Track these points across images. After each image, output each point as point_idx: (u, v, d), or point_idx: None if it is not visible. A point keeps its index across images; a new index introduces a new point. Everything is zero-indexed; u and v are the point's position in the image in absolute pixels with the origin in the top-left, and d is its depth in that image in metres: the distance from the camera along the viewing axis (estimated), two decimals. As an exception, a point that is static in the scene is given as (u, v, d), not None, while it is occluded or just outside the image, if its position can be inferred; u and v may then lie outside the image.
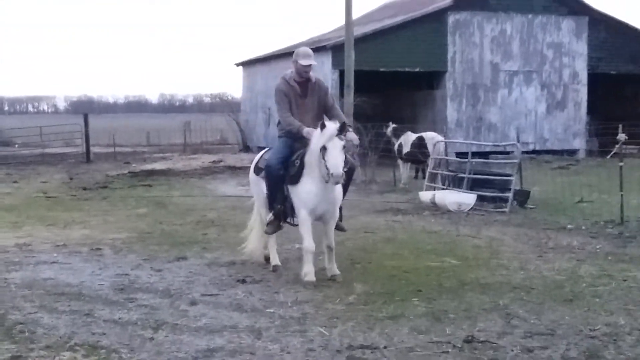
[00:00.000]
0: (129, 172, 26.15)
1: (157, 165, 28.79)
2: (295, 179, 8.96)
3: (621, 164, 13.77)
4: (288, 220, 9.54)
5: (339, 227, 9.41)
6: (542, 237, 12.17)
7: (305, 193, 8.86)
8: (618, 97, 37.59)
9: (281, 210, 9.30)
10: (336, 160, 8.43)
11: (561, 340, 6.59)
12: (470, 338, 6.59)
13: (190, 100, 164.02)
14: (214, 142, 46.52)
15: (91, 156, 33.66)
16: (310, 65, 9.31)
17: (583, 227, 13.02)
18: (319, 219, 9.12)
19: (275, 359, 6.16)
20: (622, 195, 13.36)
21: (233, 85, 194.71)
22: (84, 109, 78.50)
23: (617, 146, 14.34)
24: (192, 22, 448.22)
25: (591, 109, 35.42)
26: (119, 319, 7.33)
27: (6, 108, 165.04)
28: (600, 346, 6.41)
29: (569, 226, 13.20)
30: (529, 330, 6.87)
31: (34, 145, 39.80)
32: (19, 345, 6.46)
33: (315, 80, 9.47)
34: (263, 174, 9.52)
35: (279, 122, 9.55)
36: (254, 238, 10.12)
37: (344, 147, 8.68)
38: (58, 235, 12.65)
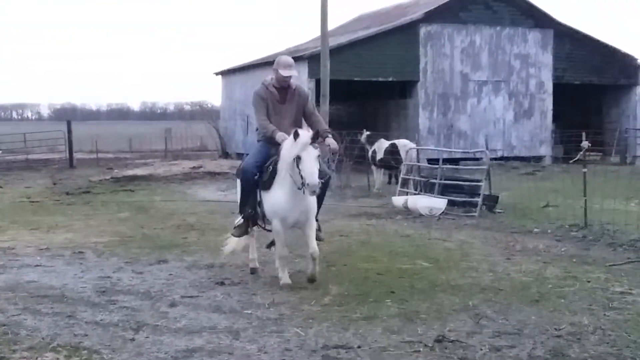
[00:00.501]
0: (112, 178, 25.96)
1: (139, 171, 28.58)
2: (267, 185, 8.67)
3: (585, 170, 13.91)
4: (259, 223, 9.26)
5: (316, 237, 8.84)
6: (509, 240, 12.24)
7: (275, 201, 8.56)
8: (582, 107, 37.97)
9: (251, 215, 9.03)
10: (311, 170, 8.02)
11: (528, 339, 6.62)
12: (441, 338, 6.61)
13: (171, 108, 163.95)
14: (194, 148, 46.34)
15: (74, 162, 33.39)
16: (290, 76, 8.96)
17: (549, 231, 13.10)
18: (294, 227, 8.85)
19: (253, 359, 6.14)
20: (585, 200, 13.47)
21: (212, 94, 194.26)
22: (67, 116, 77.69)
23: (580, 153, 14.43)
24: (172, 27, 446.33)
25: (556, 118, 35.76)
26: (101, 320, 7.27)
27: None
28: (565, 345, 6.45)
29: (535, 230, 13.29)
30: (497, 330, 6.90)
31: (18, 152, 39.39)
32: (2, 346, 6.38)
33: (295, 87, 9.12)
34: None
35: (257, 128, 9.25)
36: (234, 239, 9.70)
37: (319, 156, 8.30)
38: (41, 239, 12.53)
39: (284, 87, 9.04)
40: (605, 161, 32.75)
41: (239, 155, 38.57)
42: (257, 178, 8.82)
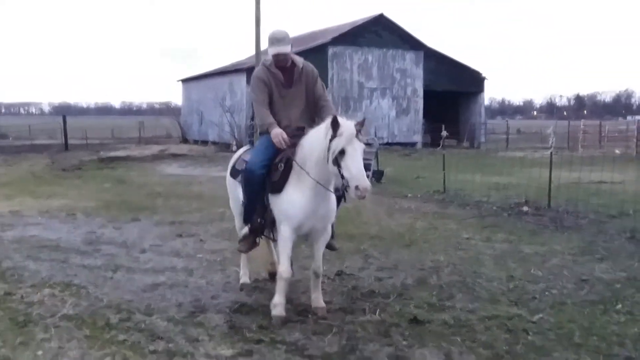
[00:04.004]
0: (98, 158, 25.13)
1: (119, 153, 27.77)
2: (278, 186, 5.16)
3: (444, 152, 14.22)
4: (266, 234, 5.68)
5: (330, 246, 5.68)
6: (391, 202, 12.40)
7: (289, 205, 5.07)
8: (443, 106, 38.79)
9: (260, 224, 5.47)
10: (360, 169, 4.61)
11: (401, 272, 6.75)
12: (340, 272, 6.68)
13: (145, 106, 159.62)
14: (162, 136, 45.43)
15: (68, 146, 32.17)
16: (286, 54, 5.56)
17: (418, 195, 13.34)
18: (306, 236, 5.41)
19: (203, 289, 6.08)
20: (444, 173, 13.78)
21: (176, 96, 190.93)
22: (63, 112, 74.95)
23: (441, 140, 14.76)
24: (147, 41, 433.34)
25: (425, 114, 36.43)
26: (88, 264, 7.06)
27: (3, 111, 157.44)
28: (427, 275, 6.61)
29: (409, 195, 13.50)
30: (380, 266, 7.00)
31: (25, 138, 37.83)
32: (10, 284, 6.15)
33: (302, 66, 5.69)
34: (240, 177, 5.66)
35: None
36: (259, 253, 6.19)
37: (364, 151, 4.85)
38: (42, 204, 12.03)
39: (289, 67, 5.66)
40: (459, 146, 33.60)
41: (196, 142, 37.99)
42: (264, 180, 5.31)
